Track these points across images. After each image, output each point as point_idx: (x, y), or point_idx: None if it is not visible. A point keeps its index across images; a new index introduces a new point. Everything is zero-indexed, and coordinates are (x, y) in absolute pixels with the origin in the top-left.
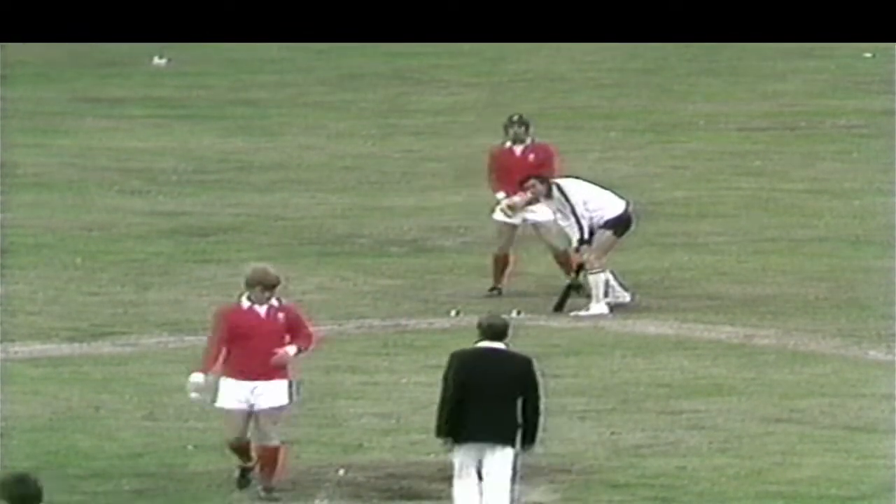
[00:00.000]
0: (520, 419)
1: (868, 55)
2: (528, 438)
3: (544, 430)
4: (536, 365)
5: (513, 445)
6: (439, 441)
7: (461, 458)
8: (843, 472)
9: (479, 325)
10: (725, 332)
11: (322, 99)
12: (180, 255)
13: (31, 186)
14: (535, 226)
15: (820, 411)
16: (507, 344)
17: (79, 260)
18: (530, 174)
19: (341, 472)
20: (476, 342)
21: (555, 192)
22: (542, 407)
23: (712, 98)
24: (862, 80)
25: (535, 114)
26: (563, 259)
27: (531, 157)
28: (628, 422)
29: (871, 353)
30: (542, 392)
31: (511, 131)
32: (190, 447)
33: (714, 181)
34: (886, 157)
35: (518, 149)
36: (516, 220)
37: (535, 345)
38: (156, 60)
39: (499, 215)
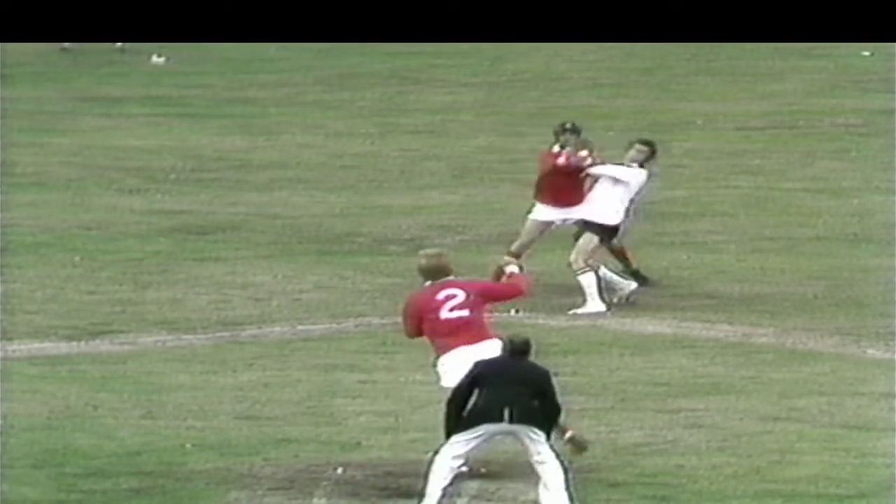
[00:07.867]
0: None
1: (866, 54)
2: None
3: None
4: (555, 380)
5: (541, 429)
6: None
7: (466, 438)
8: (842, 470)
9: (503, 345)
10: (724, 330)
11: (320, 98)
12: (179, 254)
13: (29, 185)
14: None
15: (818, 410)
16: None
17: (77, 258)
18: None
19: (339, 470)
20: None
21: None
22: (560, 417)
23: (710, 97)
24: (860, 78)
25: (533, 113)
26: (617, 251)
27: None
28: (626, 420)
29: (870, 351)
30: (559, 402)
31: (562, 138)
32: (188, 446)
33: (712, 180)
34: (885, 155)
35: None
36: (556, 217)
37: (533, 343)
38: (154, 59)
39: (535, 214)
